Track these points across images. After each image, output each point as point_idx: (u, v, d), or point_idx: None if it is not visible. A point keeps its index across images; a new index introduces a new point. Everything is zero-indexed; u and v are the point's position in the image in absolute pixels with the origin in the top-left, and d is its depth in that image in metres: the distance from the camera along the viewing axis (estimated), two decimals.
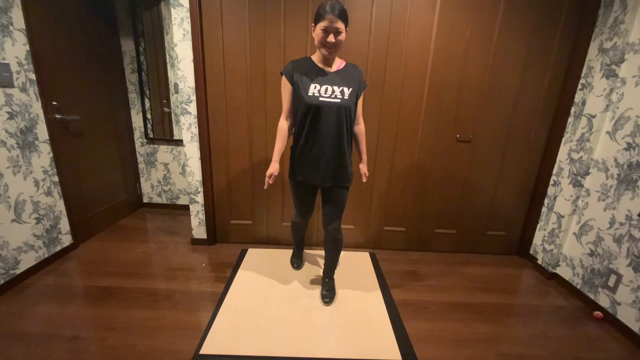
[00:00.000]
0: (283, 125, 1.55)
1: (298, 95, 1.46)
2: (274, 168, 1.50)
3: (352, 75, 1.49)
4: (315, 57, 1.48)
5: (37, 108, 1.91)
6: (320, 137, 1.46)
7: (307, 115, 1.44)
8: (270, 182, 1.49)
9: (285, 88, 1.49)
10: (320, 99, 1.41)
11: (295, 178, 1.61)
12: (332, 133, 1.46)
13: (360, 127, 1.66)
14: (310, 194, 1.68)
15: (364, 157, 1.72)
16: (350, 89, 1.45)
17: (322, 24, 1.32)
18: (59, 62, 2.06)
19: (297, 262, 2.12)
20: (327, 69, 1.47)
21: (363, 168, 1.73)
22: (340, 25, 1.32)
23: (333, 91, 1.42)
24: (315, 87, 1.42)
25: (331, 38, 1.33)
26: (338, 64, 1.50)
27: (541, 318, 1.77)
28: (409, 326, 1.64)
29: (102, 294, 1.78)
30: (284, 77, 1.48)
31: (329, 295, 1.78)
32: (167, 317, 1.63)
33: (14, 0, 1.73)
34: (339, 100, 1.42)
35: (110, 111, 2.60)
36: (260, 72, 2.08)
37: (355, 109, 1.53)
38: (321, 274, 1.94)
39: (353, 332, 1.57)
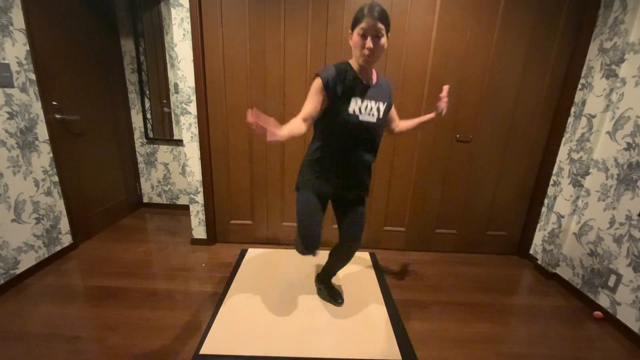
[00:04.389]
0: (300, 123, 1.24)
1: (333, 108, 1.29)
2: (282, 134, 1.09)
3: (387, 89, 1.41)
4: (354, 64, 1.32)
5: (37, 108, 1.91)
6: (351, 154, 1.37)
7: (342, 132, 1.33)
8: (256, 125, 0.98)
9: (317, 93, 1.28)
10: (360, 117, 1.30)
11: (312, 189, 1.44)
12: (363, 150, 1.38)
13: (401, 123, 1.57)
14: (322, 208, 1.49)
15: (421, 119, 1.51)
16: (385, 105, 1.38)
17: (359, 27, 1.18)
18: (59, 62, 2.06)
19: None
20: (367, 81, 1.33)
21: (433, 113, 1.44)
22: (380, 28, 1.17)
23: (371, 108, 1.32)
24: (357, 103, 1.29)
25: (369, 42, 1.18)
26: (374, 75, 1.37)
27: (541, 318, 1.77)
28: (409, 326, 1.64)
29: (102, 294, 1.78)
30: (319, 80, 1.27)
31: (340, 295, 1.80)
32: (167, 317, 1.63)
33: (14, 0, 1.73)
34: (375, 120, 1.34)
35: (110, 111, 2.60)
36: (260, 72, 2.08)
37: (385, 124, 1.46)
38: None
39: (353, 332, 1.57)
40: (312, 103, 1.29)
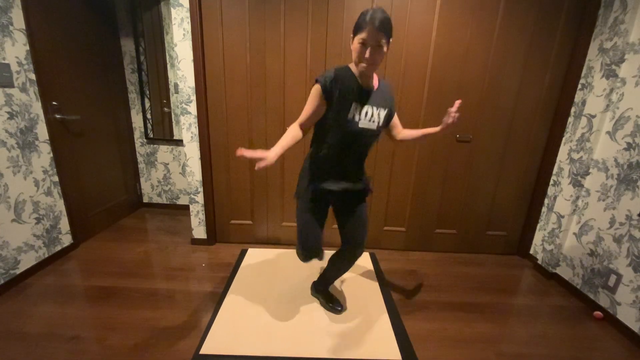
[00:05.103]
0: (296, 131, 1.32)
1: (332, 114, 1.28)
2: (271, 157, 1.24)
3: (388, 96, 1.39)
4: (354, 69, 1.29)
5: (37, 108, 1.91)
6: (348, 158, 1.38)
7: (340, 137, 1.32)
8: (260, 163, 1.22)
9: (316, 99, 1.27)
10: (360, 124, 1.29)
11: (310, 194, 1.44)
12: (359, 154, 1.40)
13: (404, 131, 1.51)
14: (322, 215, 1.49)
15: (425, 130, 1.46)
16: (386, 111, 1.36)
17: (360, 36, 1.16)
18: (59, 62, 2.06)
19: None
20: (367, 86, 1.30)
21: (438, 128, 1.39)
22: (381, 39, 1.14)
23: (372, 115, 1.30)
24: (357, 109, 1.27)
25: (368, 53, 1.17)
26: (375, 80, 1.35)
27: (541, 318, 1.77)
28: (409, 326, 1.64)
29: (102, 294, 1.78)
30: (318, 86, 1.25)
31: (339, 302, 1.75)
32: (167, 317, 1.63)
33: (14, 0, 1.73)
34: (375, 128, 1.33)
35: (110, 111, 2.60)
36: (260, 72, 2.08)
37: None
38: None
39: (353, 332, 1.57)
40: (310, 109, 1.30)
